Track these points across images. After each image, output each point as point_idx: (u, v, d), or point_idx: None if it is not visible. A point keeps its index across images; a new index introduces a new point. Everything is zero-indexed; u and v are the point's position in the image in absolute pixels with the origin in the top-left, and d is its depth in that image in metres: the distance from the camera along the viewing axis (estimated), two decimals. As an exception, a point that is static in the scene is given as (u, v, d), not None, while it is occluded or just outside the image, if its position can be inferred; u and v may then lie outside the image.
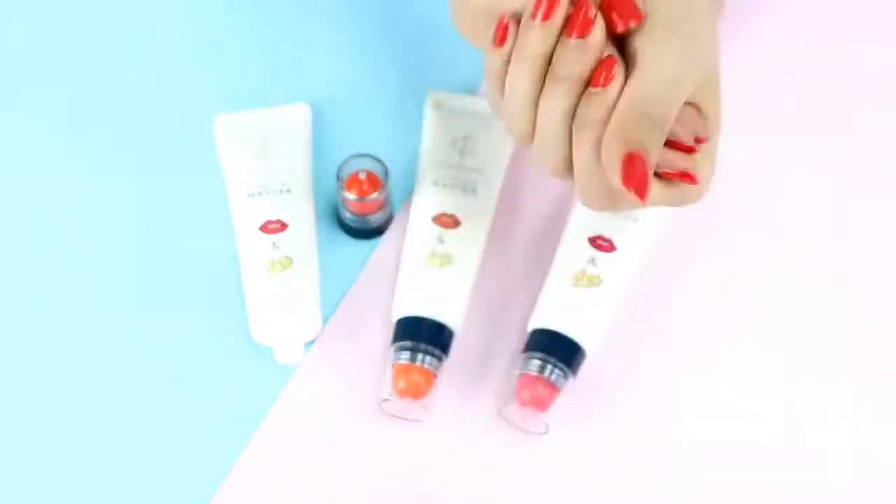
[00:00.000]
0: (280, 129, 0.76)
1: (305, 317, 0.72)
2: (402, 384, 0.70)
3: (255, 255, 0.73)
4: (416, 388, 0.70)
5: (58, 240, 0.76)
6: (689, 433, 0.72)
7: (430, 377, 0.70)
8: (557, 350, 0.70)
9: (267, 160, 0.75)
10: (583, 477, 0.71)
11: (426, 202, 0.74)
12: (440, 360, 0.70)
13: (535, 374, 0.69)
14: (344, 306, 0.74)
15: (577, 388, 0.71)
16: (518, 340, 0.72)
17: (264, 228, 0.73)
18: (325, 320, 0.73)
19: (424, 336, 0.70)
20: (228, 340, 0.73)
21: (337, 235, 0.76)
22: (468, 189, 0.74)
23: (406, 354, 0.70)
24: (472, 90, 0.78)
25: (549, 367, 0.69)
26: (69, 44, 0.80)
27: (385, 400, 0.70)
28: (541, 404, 0.69)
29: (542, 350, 0.70)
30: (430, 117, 0.77)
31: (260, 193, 0.74)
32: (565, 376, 0.70)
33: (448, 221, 0.73)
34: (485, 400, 0.72)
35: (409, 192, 0.76)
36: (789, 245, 0.76)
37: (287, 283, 0.72)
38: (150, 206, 0.76)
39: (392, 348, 0.71)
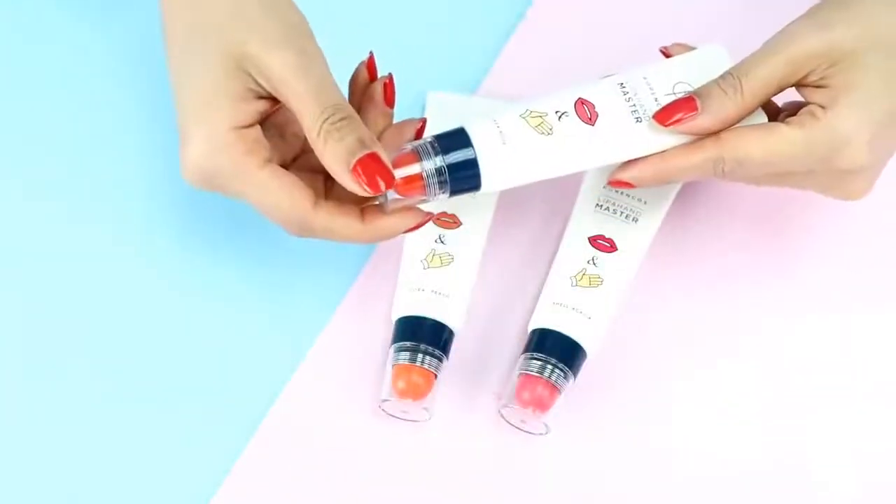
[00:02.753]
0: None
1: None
2: (401, 385, 0.69)
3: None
4: (416, 389, 0.69)
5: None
6: (689, 433, 0.72)
7: (431, 378, 0.70)
8: (558, 350, 0.70)
9: None
10: (583, 477, 0.71)
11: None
12: (440, 360, 0.70)
13: (535, 374, 0.69)
14: (344, 306, 0.74)
15: (577, 388, 0.70)
16: (518, 340, 0.72)
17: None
18: (326, 320, 0.73)
19: (424, 336, 0.70)
20: (229, 340, 0.73)
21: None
22: (468, 189, 0.74)
23: (406, 355, 0.70)
24: (471, 90, 0.79)
25: (549, 367, 0.69)
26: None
27: (385, 400, 0.70)
28: (541, 405, 0.69)
29: (542, 350, 0.70)
30: (429, 117, 0.76)
31: None
32: (566, 377, 0.69)
33: (448, 221, 0.73)
34: (485, 400, 0.72)
35: (409, 193, 0.76)
36: (790, 246, 0.76)
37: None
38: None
39: (392, 349, 0.71)
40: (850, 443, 0.72)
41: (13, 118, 0.78)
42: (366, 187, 0.61)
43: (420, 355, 0.70)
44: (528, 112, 0.64)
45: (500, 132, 0.63)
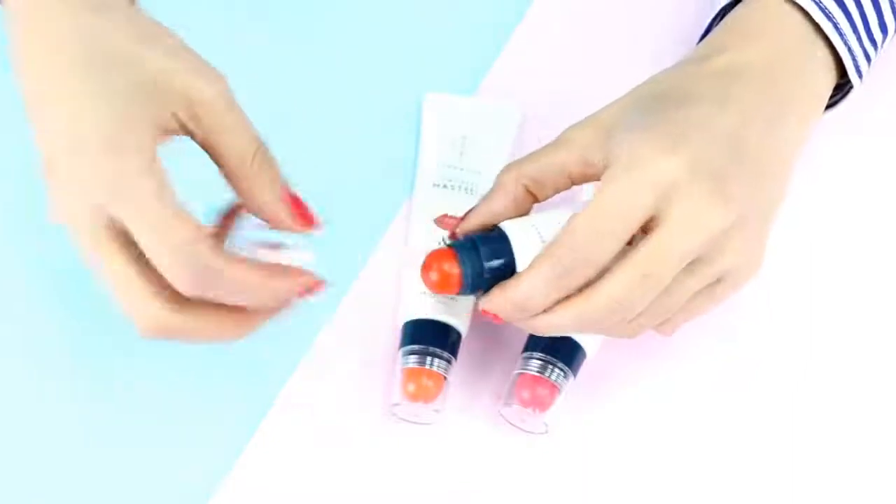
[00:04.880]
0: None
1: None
2: (411, 388, 0.69)
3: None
4: (426, 392, 0.69)
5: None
6: (689, 433, 0.72)
7: (440, 380, 0.70)
8: (558, 350, 0.70)
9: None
10: (583, 477, 0.71)
11: (426, 203, 0.74)
12: (449, 362, 0.70)
13: (535, 374, 0.70)
14: (344, 306, 0.74)
15: (577, 388, 0.71)
16: (518, 340, 0.72)
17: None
18: (326, 321, 0.73)
19: (433, 339, 0.70)
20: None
21: (334, 235, 0.76)
22: (468, 189, 0.74)
23: (415, 358, 0.70)
24: (470, 91, 0.79)
25: (549, 366, 0.70)
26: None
27: (395, 404, 0.70)
28: (541, 404, 0.69)
29: (542, 350, 0.70)
30: (429, 118, 0.77)
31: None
32: (566, 376, 0.70)
33: (449, 223, 0.73)
34: (485, 400, 0.72)
35: (409, 194, 0.76)
36: (789, 247, 0.76)
37: None
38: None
39: (400, 352, 0.71)
40: (851, 440, 0.72)
41: None
42: (298, 219, 0.61)
43: (429, 358, 0.70)
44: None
45: (543, 242, 0.62)
